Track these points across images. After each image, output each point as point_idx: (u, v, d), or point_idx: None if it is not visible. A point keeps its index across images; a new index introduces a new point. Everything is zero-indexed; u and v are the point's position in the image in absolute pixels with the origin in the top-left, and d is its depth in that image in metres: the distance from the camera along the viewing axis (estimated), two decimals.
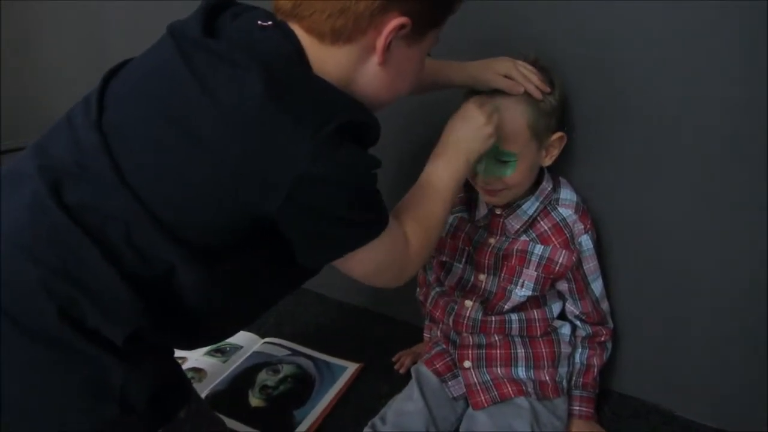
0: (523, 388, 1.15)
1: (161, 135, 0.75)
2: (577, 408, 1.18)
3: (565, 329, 1.21)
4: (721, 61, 1.02)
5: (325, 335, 1.52)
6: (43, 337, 0.73)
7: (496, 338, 1.19)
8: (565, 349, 1.20)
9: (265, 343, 1.47)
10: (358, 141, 0.76)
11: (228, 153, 0.72)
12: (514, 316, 1.18)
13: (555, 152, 1.12)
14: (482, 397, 1.15)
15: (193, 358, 1.40)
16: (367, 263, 0.84)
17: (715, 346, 1.17)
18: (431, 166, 0.97)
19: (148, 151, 0.75)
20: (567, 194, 1.16)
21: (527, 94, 1.05)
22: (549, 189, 1.15)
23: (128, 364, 0.76)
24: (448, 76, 1.08)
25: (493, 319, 1.18)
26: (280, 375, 1.36)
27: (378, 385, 1.33)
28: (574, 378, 1.20)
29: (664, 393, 1.25)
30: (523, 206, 1.14)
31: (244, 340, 1.48)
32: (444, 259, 1.23)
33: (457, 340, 1.21)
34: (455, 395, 1.18)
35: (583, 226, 1.14)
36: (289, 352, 1.44)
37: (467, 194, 1.22)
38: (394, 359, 1.40)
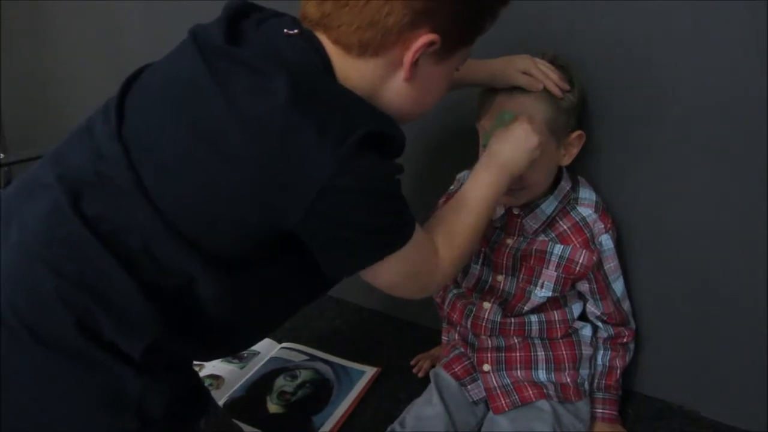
0: (545, 391, 1.13)
1: (185, 146, 0.74)
2: (600, 410, 1.17)
3: (587, 330, 1.19)
4: (746, 59, 1.00)
5: (342, 339, 1.51)
6: (60, 348, 0.72)
7: (516, 340, 1.17)
8: (587, 350, 1.18)
9: (282, 348, 1.47)
10: (382, 151, 0.75)
11: (252, 164, 0.71)
12: (534, 318, 1.16)
13: (574, 151, 1.10)
14: (503, 401, 1.13)
15: (210, 365, 1.40)
16: (394, 273, 0.83)
17: (740, 346, 1.15)
18: (472, 178, 0.95)
19: (170, 162, 0.74)
20: (586, 193, 1.14)
21: (546, 92, 1.04)
22: (568, 188, 1.13)
23: (146, 376, 0.75)
24: (468, 75, 1.07)
25: (512, 320, 1.16)
26: (298, 380, 1.35)
27: (396, 389, 1.32)
28: (596, 380, 1.18)
29: (689, 394, 1.23)
30: (541, 206, 1.12)
31: (262, 345, 1.47)
32: None
33: (476, 343, 1.19)
34: (475, 399, 1.17)
35: (603, 226, 1.12)
36: (306, 357, 1.43)
37: None
38: (412, 363, 1.38)
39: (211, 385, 1.34)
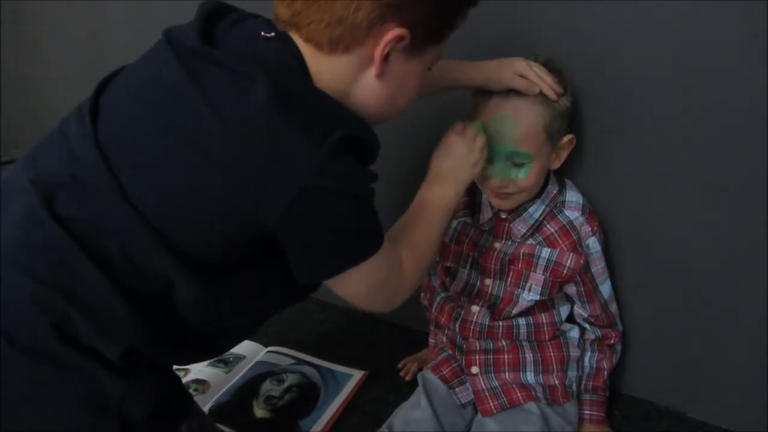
0: (533, 393, 1.13)
1: (164, 148, 0.73)
2: (588, 412, 1.17)
3: (574, 332, 1.20)
4: (729, 61, 1.01)
5: (329, 343, 1.50)
6: (38, 353, 0.71)
7: (504, 343, 1.17)
8: (574, 352, 1.18)
9: (268, 352, 1.45)
10: (357, 156, 0.75)
11: (233, 165, 0.70)
12: (522, 321, 1.16)
13: (564, 155, 1.11)
14: (491, 404, 1.13)
15: (196, 369, 1.39)
16: (362, 283, 0.83)
17: (726, 347, 1.15)
18: (423, 192, 0.97)
19: (149, 164, 0.73)
20: (573, 196, 1.14)
21: (542, 95, 1.04)
22: (555, 191, 1.13)
23: (126, 380, 0.74)
24: (462, 76, 1.07)
25: (501, 324, 1.16)
26: (285, 384, 1.34)
27: (384, 392, 1.31)
28: (583, 382, 1.18)
29: (676, 395, 1.23)
30: (529, 210, 1.12)
31: (248, 349, 1.46)
32: (448, 264, 1.21)
33: (464, 346, 1.19)
34: (463, 402, 1.17)
35: (590, 229, 1.12)
36: (293, 361, 1.42)
37: (470, 198, 1.20)
38: (399, 366, 1.38)
39: (196, 390, 1.33)
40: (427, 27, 0.79)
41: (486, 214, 1.16)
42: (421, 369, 1.29)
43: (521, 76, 1.03)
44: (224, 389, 1.33)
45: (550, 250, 1.12)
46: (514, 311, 1.14)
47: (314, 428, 1.22)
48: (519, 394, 1.13)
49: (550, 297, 1.14)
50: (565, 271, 1.11)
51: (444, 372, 1.19)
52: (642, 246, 1.18)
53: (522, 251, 1.13)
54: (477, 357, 1.17)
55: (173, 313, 0.77)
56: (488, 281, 1.17)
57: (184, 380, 1.35)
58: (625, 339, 1.22)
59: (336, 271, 0.80)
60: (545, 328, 1.17)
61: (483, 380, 1.16)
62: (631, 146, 1.13)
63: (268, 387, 1.33)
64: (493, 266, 1.15)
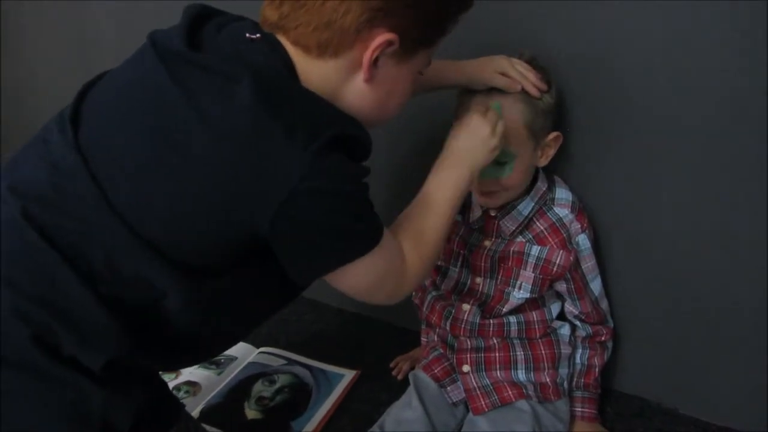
0: (524, 391, 1.13)
1: (149, 153, 0.72)
2: (580, 409, 1.17)
3: (565, 330, 1.19)
4: (719, 59, 1.01)
5: (320, 343, 1.49)
6: (18, 363, 0.70)
7: (495, 341, 1.17)
8: (565, 350, 1.18)
9: (260, 353, 1.45)
10: (348, 154, 0.74)
11: (220, 168, 0.69)
12: (513, 319, 1.16)
13: (551, 152, 1.10)
14: (482, 402, 1.13)
15: (187, 371, 1.38)
16: (362, 278, 0.82)
17: (717, 343, 1.15)
18: (433, 177, 0.93)
19: (134, 170, 0.72)
20: (562, 193, 1.14)
21: (524, 93, 1.03)
22: (544, 189, 1.13)
23: (109, 389, 0.73)
24: (445, 76, 1.06)
25: (492, 322, 1.16)
26: (277, 385, 1.34)
27: (376, 391, 1.31)
28: (575, 379, 1.18)
29: (668, 391, 1.24)
30: (518, 207, 1.12)
31: (239, 350, 1.45)
32: (439, 263, 1.20)
33: (455, 344, 1.19)
34: (455, 400, 1.16)
35: (579, 226, 1.12)
36: (284, 362, 1.41)
37: None
38: (391, 365, 1.38)
39: (188, 392, 1.32)
40: (417, 32, 0.78)
41: (476, 213, 1.16)
42: (413, 368, 1.29)
43: (503, 74, 1.03)
44: (216, 391, 1.32)
45: (539, 247, 1.11)
46: (504, 309, 1.14)
47: (306, 429, 1.21)
48: (510, 392, 1.13)
49: (540, 294, 1.14)
50: (555, 269, 1.11)
51: (435, 371, 1.19)
52: (632, 243, 1.18)
53: (512, 249, 1.13)
54: (468, 355, 1.17)
55: (161, 320, 0.75)
56: (479, 279, 1.16)
57: (175, 382, 1.34)
58: (617, 336, 1.22)
59: (329, 269, 0.79)
60: (536, 326, 1.16)
61: (474, 378, 1.16)
62: (622, 144, 1.13)
63: (259, 388, 1.33)
64: (483, 264, 1.15)
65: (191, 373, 1.38)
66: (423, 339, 1.33)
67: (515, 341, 1.17)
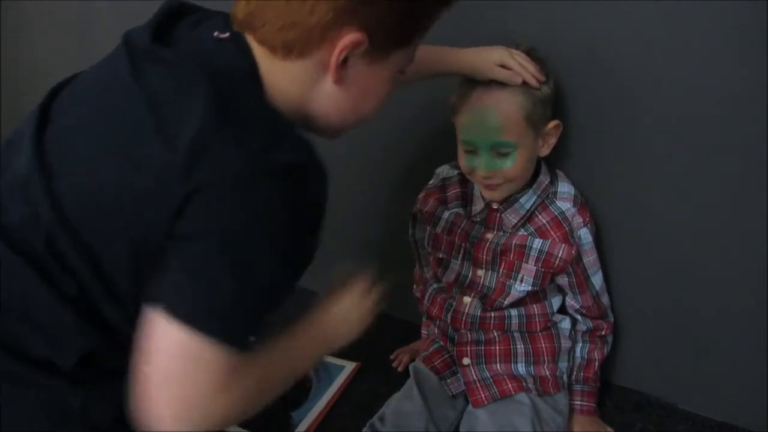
0: (524, 384, 1.13)
1: (97, 149, 0.69)
2: (579, 403, 1.17)
3: (565, 323, 1.20)
4: (719, 52, 1.01)
5: None
6: None
7: (495, 334, 1.17)
8: (566, 343, 1.18)
9: None
10: (296, 184, 0.67)
11: (161, 174, 0.65)
12: (514, 312, 1.16)
13: (552, 140, 1.11)
14: (482, 395, 1.13)
15: None
16: (170, 353, 0.65)
17: (717, 338, 1.16)
18: (307, 341, 0.85)
19: (82, 171, 0.70)
20: (565, 187, 1.14)
21: (523, 84, 1.04)
22: (546, 182, 1.13)
23: (87, 386, 0.71)
24: (447, 64, 1.05)
25: (492, 315, 1.16)
26: None
27: (376, 383, 1.31)
28: (575, 373, 1.19)
29: (667, 386, 1.24)
30: (520, 200, 1.12)
31: None
32: (441, 255, 1.21)
33: (456, 337, 1.19)
34: (454, 393, 1.17)
35: (582, 219, 1.12)
36: None
37: (462, 189, 1.20)
38: (392, 357, 1.38)
39: None
40: (389, 31, 0.73)
41: (478, 205, 1.16)
42: (413, 360, 1.29)
43: (503, 65, 1.02)
44: None
45: (541, 240, 1.12)
46: (505, 302, 1.14)
47: (306, 420, 1.22)
48: (510, 385, 1.13)
49: (541, 288, 1.14)
50: (556, 262, 1.11)
51: (436, 363, 1.19)
52: (634, 238, 1.18)
53: (514, 242, 1.13)
54: (468, 348, 1.17)
55: (128, 317, 0.70)
56: (480, 272, 1.17)
57: None
58: (617, 330, 1.23)
59: (181, 311, 0.64)
60: (537, 319, 1.17)
61: (474, 371, 1.16)
62: (623, 139, 1.13)
63: None
64: (485, 257, 1.15)
65: None
66: (423, 331, 1.34)
67: (516, 334, 1.17)
